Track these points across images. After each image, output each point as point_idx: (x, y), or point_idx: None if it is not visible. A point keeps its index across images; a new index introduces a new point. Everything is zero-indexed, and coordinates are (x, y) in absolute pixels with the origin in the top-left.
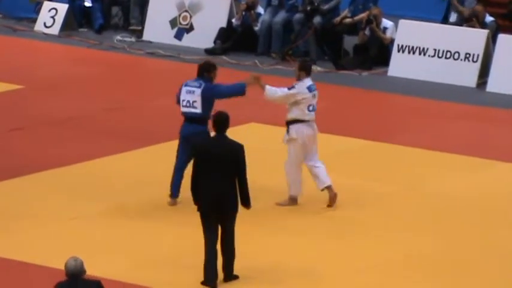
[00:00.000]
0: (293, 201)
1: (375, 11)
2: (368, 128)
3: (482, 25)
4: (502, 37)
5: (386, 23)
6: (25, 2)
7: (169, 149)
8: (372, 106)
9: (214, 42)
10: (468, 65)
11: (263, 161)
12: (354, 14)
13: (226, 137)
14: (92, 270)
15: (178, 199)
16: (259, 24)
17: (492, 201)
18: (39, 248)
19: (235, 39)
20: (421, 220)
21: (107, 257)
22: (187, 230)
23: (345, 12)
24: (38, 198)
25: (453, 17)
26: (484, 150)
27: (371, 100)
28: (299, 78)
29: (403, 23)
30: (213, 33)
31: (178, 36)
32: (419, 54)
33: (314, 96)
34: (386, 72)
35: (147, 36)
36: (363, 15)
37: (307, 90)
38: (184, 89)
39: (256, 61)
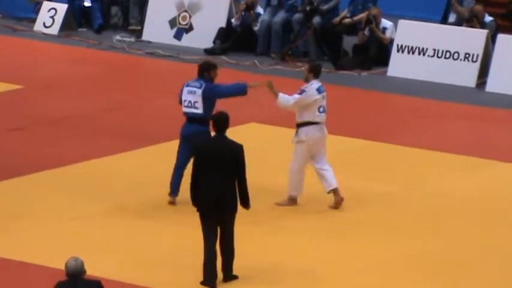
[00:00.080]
0: (293, 201)
1: (374, 11)
2: (368, 128)
3: (482, 25)
4: (501, 37)
5: (385, 23)
6: (24, 2)
7: (168, 149)
8: (371, 106)
9: (214, 42)
10: (467, 65)
11: (263, 161)
12: (353, 14)
13: (226, 137)
14: (92, 270)
15: (178, 198)
16: (258, 24)
17: (492, 201)
18: (39, 248)
19: (235, 39)
20: (421, 220)
21: (107, 257)
22: (187, 229)
23: (344, 12)
24: (37, 198)
25: (452, 17)
26: (484, 150)
27: (370, 100)
28: (307, 80)
29: (402, 23)
30: (213, 33)
31: (178, 36)
32: (419, 54)
33: (323, 97)
34: (385, 72)
35: (146, 36)
36: (362, 16)
37: (316, 92)
38: (185, 89)
39: (256, 61)
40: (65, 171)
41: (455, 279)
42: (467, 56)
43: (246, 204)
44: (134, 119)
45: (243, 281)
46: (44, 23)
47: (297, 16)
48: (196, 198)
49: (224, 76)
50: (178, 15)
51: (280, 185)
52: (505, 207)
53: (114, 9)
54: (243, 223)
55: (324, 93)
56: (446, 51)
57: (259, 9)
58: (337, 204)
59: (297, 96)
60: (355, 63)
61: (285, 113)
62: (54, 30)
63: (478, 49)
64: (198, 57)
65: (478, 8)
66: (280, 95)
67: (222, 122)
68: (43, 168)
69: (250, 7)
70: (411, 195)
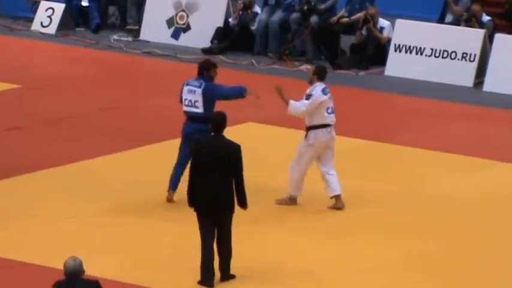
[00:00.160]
0: (292, 201)
1: (371, 10)
2: (367, 128)
3: (480, 25)
4: (498, 36)
5: (383, 22)
6: (22, 1)
7: (165, 149)
8: (369, 106)
9: (211, 41)
10: (465, 64)
11: (260, 160)
12: (350, 14)
13: (223, 137)
14: (91, 270)
15: (177, 198)
16: (256, 24)
17: (492, 201)
18: (38, 247)
19: (232, 38)
20: (421, 220)
21: (107, 256)
22: (187, 229)
23: (342, 11)
24: (36, 198)
25: (450, 17)
26: (484, 150)
27: (368, 100)
28: (311, 82)
29: (400, 22)
30: (210, 33)
31: (175, 35)
32: (416, 53)
33: (330, 98)
34: (383, 71)
35: (144, 35)
36: (359, 15)
37: (322, 93)
38: (185, 88)
39: (253, 61)
40: (63, 170)
41: (455, 279)
42: (464, 55)
43: (243, 204)
44: (132, 119)
45: (242, 280)
46: (41, 23)
47: (295, 15)
48: (194, 199)
49: (222, 76)
50: (176, 14)
51: (278, 185)
52: (505, 207)
53: (112, 9)
54: (242, 223)
55: (329, 95)
56: (444, 51)
57: (257, 9)
58: (336, 208)
59: (306, 102)
60: (353, 63)
61: (283, 113)
62: (52, 29)
63: (476, 49)
64: (196, 57)
65: (476, 7)
66: (291, 102)
67: (220, 122)
68: (40, 168)
69: (247, 6)
70: (411, 195)
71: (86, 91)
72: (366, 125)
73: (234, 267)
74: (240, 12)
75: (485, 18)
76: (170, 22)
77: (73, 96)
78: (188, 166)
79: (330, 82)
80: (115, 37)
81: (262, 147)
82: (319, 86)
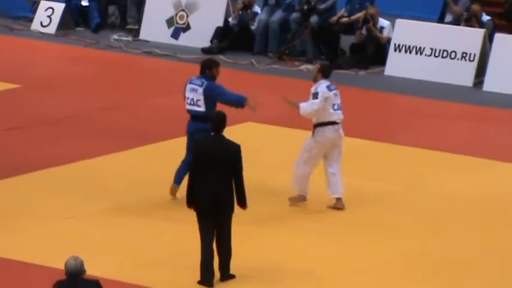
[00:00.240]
0: (302, 198)
1: (371, 10)
2: (366, 128)
3: (480, 24)
4: (498, 36)
5: (383, 22)
6: (22, 1)
7: (165, 149)
8: (369, 105)
9: (211, 41)
10: (465, 64)
11: (259, 160)
12: (350, 14)
13: (223, 137)
14: (91, 270)
15: (179, 195)
16: (255, 24)
17: (492, 201)
18: (38, 247)
19: (232, 38)
20: (421, 220)
21: (107, 256)
22: (187, 229)
23: (342, 11)
24: (36, 198)
25: (449, 17)
26: (484, 150)
27: (368, 99)
28: (315, 80)
29: (399, 22)
30: (210, 33)
31: (175, 35)
32: (416, 53)
33: (335, 95)
34: (383, 71)
35: (143, 35)
36: (359, 15)
37: (327, 90)
38: (188, 86)
39: (253, 60)
40: (63, 170)
41: (455, 279)
42: (464, 55)
43: (242, 204)
44: (132, 119)
45: (242, 280)
46: (41, 22)
47: (294, 15)
48: (193, 199)
49: (222, 75)
50: (176, 14)
51: (278, 185)
52: (505, 207)
53: (112, 9)
54: (242, 223)
55: (335, 91)
56: (444, 51)
57: (257, 9)
58: (335, 209)
59: (316, 100)
60: (353, 63)
61: (282, 113)
62: (52, 29)
63: (475, 48)
64: (195, 57)
65: (476, 7)
66: (301, 105)
67: (219, 121)
68: (40, 168)
69: (247, 6)
70: (411, 195)
71: (85, 91)
72: (366, 125)
73: (234, 267)
74: (240, 12)
75: (485, 18)
76: (170, 22)
77: (73, 96)
78: None
79: (330, 82)
80: (115, 37)
81: (262, 147)
82: (323, 83)
